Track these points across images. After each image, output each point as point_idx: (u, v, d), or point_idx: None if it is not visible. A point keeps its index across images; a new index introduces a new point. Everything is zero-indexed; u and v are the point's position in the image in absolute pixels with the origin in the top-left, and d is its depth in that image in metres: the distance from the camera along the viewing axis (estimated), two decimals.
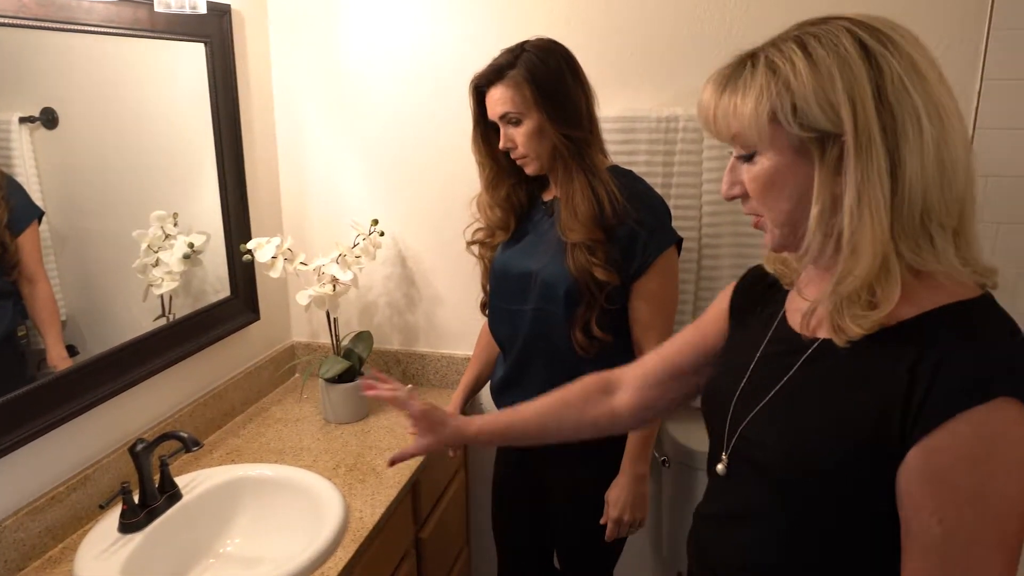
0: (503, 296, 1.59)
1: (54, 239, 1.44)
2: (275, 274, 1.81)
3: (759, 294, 0.97)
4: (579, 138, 1.45)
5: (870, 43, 0.72)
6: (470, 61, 1.85)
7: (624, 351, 1.53)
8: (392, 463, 1.23)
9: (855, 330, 0.75)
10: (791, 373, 0.84)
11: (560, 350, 1.52)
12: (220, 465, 1.64)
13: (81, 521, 1.41)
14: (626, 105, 1.76)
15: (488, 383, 1.81)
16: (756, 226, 0.84)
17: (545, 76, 1.43)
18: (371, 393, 1.18)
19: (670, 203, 1.71)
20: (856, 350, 0.76)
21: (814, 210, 0.74)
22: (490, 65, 1.47)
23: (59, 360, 1.45)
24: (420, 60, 1.91)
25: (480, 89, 1.49)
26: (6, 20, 1.23)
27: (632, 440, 1.53)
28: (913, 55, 0.72)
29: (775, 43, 0.76)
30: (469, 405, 1.99)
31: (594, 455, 1.57)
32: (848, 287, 0.74)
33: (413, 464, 1.68)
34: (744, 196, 0.82)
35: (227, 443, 1.77)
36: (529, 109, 1.43)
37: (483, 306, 1.71)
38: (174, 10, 1.45)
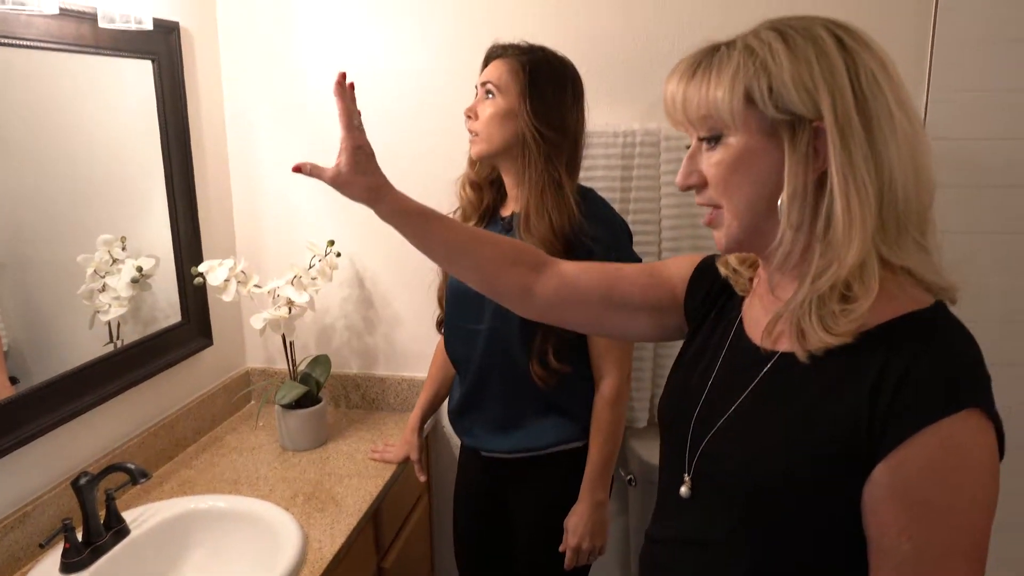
0: (458, 314, 1.56)
1: None
2: (228, 297, 1.76)
3: (716, 293, 0.95)
4: (553, 142, 1.42)
5: (845, 38, 0.73)
6: (425, 76, 1.87)
7: (584, 379, 1.51)
8: (296, 169, 1.05)
9: (823, 337, 0.73)
10: (751, 388, 0.82)
11: (517, 375, 1.49)
12: (171, 498, 1.57)
13: (19, 562, 1.33)
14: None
15: (445, 403, 1.78)
16: (709, 223, 0.82)
17: (544, 74, 1.42)
18: (339, 76, 1.00)
19: (628, 219, 1.71)
20: (817, 363, 0.75)
21: (784, 195, 0.73)
22: (508, 42, 1.47)
23: (0, 390, 1.37)
24: (375, 76, 1.89)
25: (486, 58, 1.48)
26: None
27: (591, 465, 1.50)
28: (882, 56, 0.73)
29: (752, 32, 0.76)
30: (431, 427, 1.96)
31: (555, 480, 1.54)
32: (828, 280, 0.72)
33: (374, 491, 1.63)
34: (702, 185, 0.80)
35: (179, 474, 1.70)
36: (508, 91, 1.41)
37: (439, 324, 1.68)
38: (119, 26, 1.40)
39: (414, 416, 1.78)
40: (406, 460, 1.76)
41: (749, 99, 0.73)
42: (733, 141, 0.75)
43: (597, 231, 1.43)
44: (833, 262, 0.72)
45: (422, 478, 1.79)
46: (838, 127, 0.70)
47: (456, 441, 1.71)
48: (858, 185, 0.70)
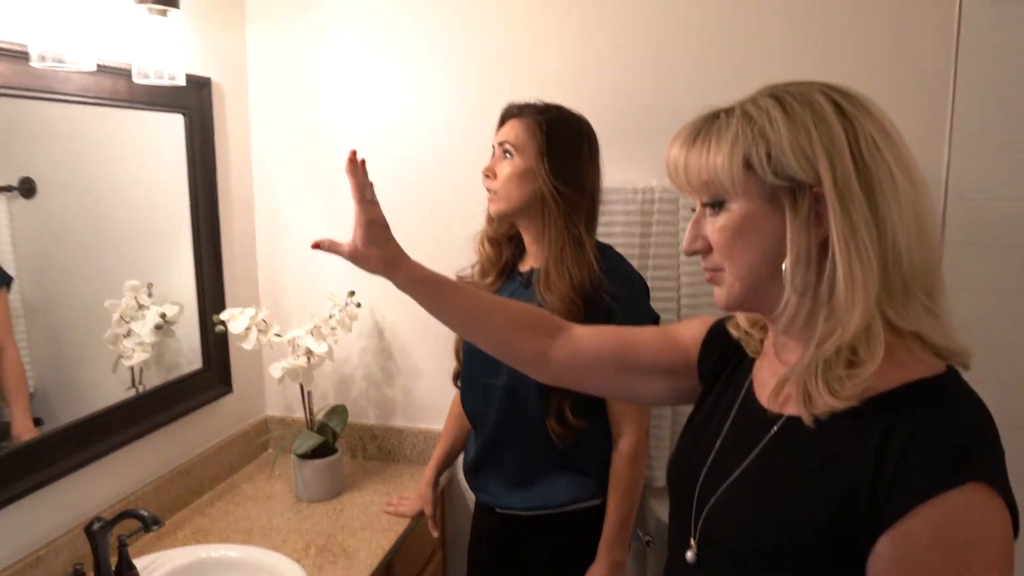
0: (475, 368, 1.56)
1: (25, 308, 1.41)
2: (248, 345, 1.78)
3: (728, 354, 0.94)
4: (572, 200, 1.44)
5: (843, 103, 0.73)
6: (449, 133, 1.91)
7: (602, 436, 1.50)
8: (315, 246, 1.06)
9: (828, 401, 0.72)
10: (757, 451, 0.80)
11: (533, 431, 1.48)
12: (184, 545, 1.56)
13: None
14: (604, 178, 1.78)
15: (460, 457, 1.76)
16: (710, 280, 0.82)
17: (560, 132, 1.45)
18: (350, 154, 1.00)
19: (647, 275, 1.71)
20: (823, 427, 0.74)
21: (787, 261, 0.73)
22: (525, 102, 1.49)
23: (24, 432, 1.40)
24: (398, 133, 1.94)
25: (502, 118, 1.51)
26: None
27: (608, 524, 1.47)
28: (881, 120, 0.74)
29: (750, 98, 0.77)
30: (446, 481, 1.94)
31: (571, 539, 1.51)
32: (833, 345, 0.71)
33: (387, 545, 1.61)
34: (707, 250, 0.81)
35: (193, 522, 1.70)
36: (525, 150, 1.44)
37: (455, 376, 1.68)
38: (152, 81, 1.46)
39: (429, 470, 1.76)
40: (420, 514, 1.74)
41: (748, 165, 0.74)
42: (735, 207, 0.76)
43: (616, 287, 1.43)
44: (837, 327, 0.71)
45: (435, 534, 1.76)
46: (837, 192, 0.70)
47: (472, 496, 1.69)
48: (859, 250, 0.70)
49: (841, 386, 0.72)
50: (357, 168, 1.00)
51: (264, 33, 1.99)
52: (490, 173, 1.48)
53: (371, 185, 1.02)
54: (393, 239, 1.03)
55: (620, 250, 1.56)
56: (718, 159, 0.75)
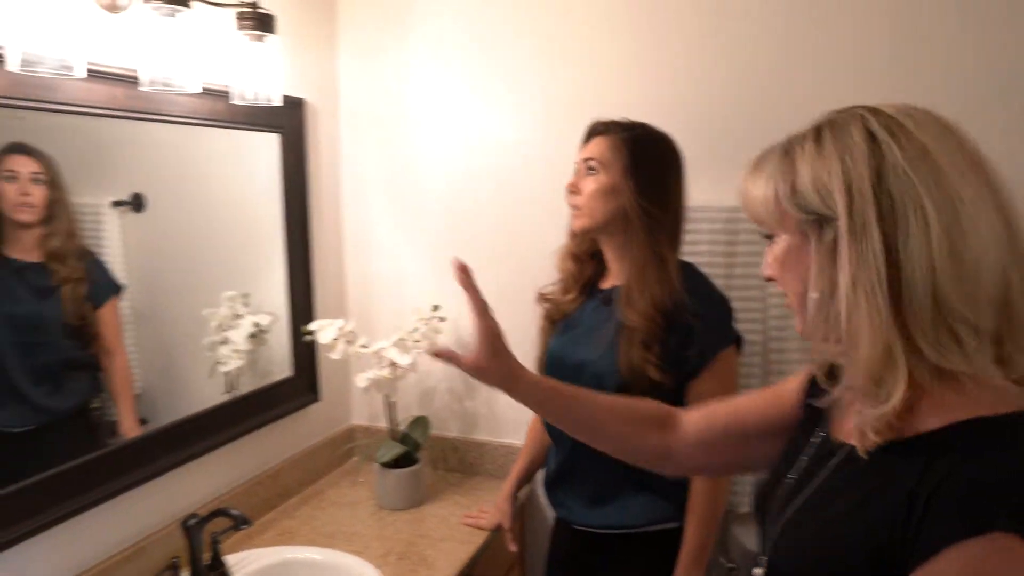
0: None
1: (134, 315, 1.51)
2: (335, 356, 1.84)
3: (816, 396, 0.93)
4: (656, 217, 1.43)
5: (877, 130, 0.71)
6: (531, 152, 1.93)
7: None
8: (435, 356, 1.04)
9: (871, 437, 0.71)
10: (820, 479, 0.80)
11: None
12: (272, 546, 1.63)
13: None
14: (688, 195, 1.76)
15: (539, 472, 1.76)
16: (787, 307, 0.82)
17: (646, 149, 1.45)
18: (458, 269, 1.01)
19: (732, 295, 1.67)
20: (875, 460, 0.72)
21: (813, 294, 0.73)
22: (611, 119, 1.50)
23: (130, 430, 1.49)
24: (483, 152, 1.98)
25: (588, 135, 1.52)
26: (101, 111, 1.34)
27: (686, 548, 1.44)
28: (928, 144, 0.69)
29: (802, 130, 0.77)
30: (526, 496, 1.94)
31: (647, 561, 1.48)
32: (852, 380, 0.72)
33: (465, 557, 1.63)
34: (773, 279, 0.82)
35: (280, 524, 1.76)
36: (611, 167, 1.44)
37: None
38: (249, 102, 1.54)
39: (508, 484, 1.77)
40: (499, 528, 1.75)
41: (779, 201, 0.75)
42: (781, 239, 0.78)
43: (698, 306, 1.41)
44: (853, 359, 0.71)
45: (513, 548, 1.76)
46: (850, 225, 0.69)
47: (551, 511, 1.69)
48: (866, 282, 0.68)
49: (874, 424, 0.71)
50: (469, 281, 1.01)
51: (354, 56, 2.07)
52: (574, 189, 1.49)
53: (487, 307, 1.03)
54: (509, 350, 1.02)
55: (705, 269, 1.53)
56: (757, 192, 0.77)
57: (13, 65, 1.10)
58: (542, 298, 1.64)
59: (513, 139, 1.95)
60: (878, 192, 0.69)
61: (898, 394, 0.68)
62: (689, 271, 1.48)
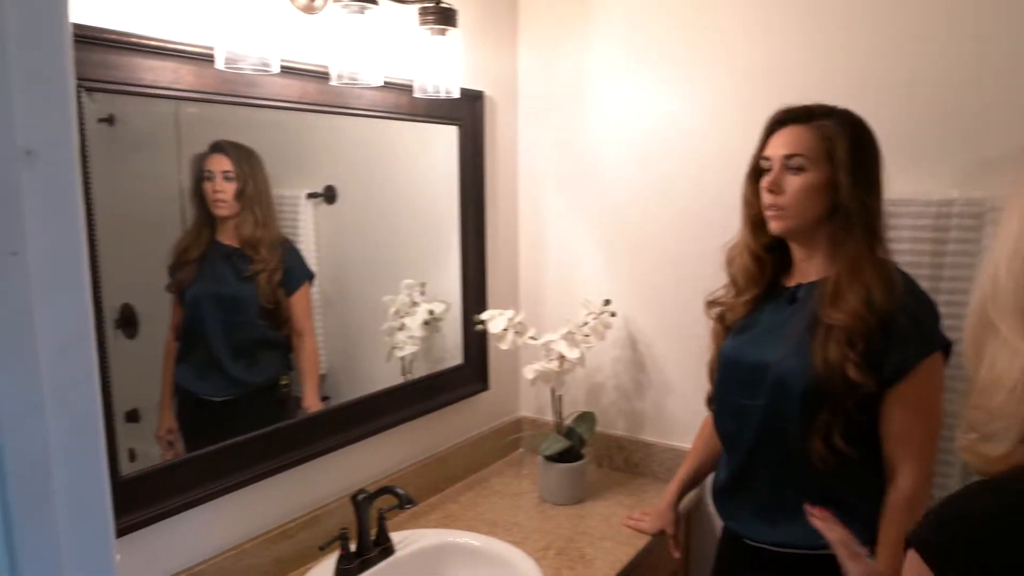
0: (731, 388, 1.46)
1: (323, 300, 1.61)
2: (505, 346, 1.85)
3: None
4: (872, 210, 1.32)
5: None
6: (713, 143, 1.83)
7: (873, 471, 1.32)
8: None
9: None
10: None
11: (793, 458, 1.35)
12: (435, 528, 1.67)
13: (305, 559, 1.50)
14: (888, 187, 1.58)
15: (705, 480, 1.68)
16: None
17: (860, 138, 1.33)
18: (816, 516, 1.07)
19: (940, 299, 1.49)
20: None
21: None
22: (802, 105, 1.38)
23: (313, 407, 1.60)
24: (661, 142, 1.90)
25: (775, 125, 1.40)
26: (292, 105, 1.43)
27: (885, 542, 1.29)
28: None
29: None
30: (694, 503, 1.86)
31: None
32: None
33: (625, 559, 1.59)
34: None
35: (445, 507, 1.81)
36: (821, 161, 1.32)
37: (709, 400, 1.59)
38: (430, 95, 1.59)
39: (671, 489, 1.70)
40: (661, 533, 1.69)
41: None
42: None
43: (914, 307, 1.28)
44: None
45: (676, 555, 1.69)
46: None
47: (719, 521, 1.59)
48: None
49: None
50: (829, 523, 1.04)
51: (533, 48, 2.07)
52: (776, 188, 1.35)
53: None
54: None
55: (906, 268, 1.38)
56: None
57: (219, 63, 1.20)
58: (712, 305, 1.55)
59: (694, 129, 1.86)
60: None
61: None
62: (898, 270, 1.34)
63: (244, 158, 1.42)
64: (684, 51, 1.85)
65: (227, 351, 1.48)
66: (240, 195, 1.42)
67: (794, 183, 1.33)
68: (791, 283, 1.43)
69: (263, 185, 1.46)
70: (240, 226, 1.43)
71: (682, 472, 1.70)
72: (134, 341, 1.28)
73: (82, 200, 0.49)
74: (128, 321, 1.26)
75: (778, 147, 1.36)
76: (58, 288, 0.48)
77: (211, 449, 1.36)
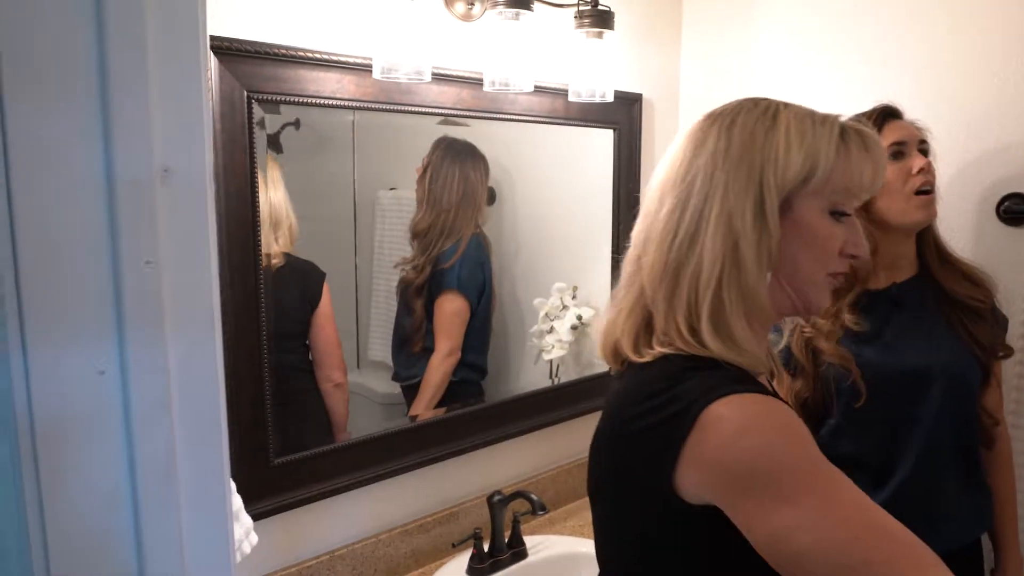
0: (888, 403, 1.27)
1: None
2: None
3: None
4: None
5: None
6: None
7: None
8: None
9: None
10: None
11: (970, 453, 1.31)
12: (570, 535, 1.65)
13: (439, 553, 1.54)
14: None
15: None
16: None
17: None
18: None
19: None
20: None
21: None
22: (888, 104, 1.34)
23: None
24: None
25: (887, 117, 1.31)
26: (448, 111, 1.47)
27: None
28: None
29: None
30: None
31: None
32: None
33: None
34: None
35: (581, 515, 1.79)
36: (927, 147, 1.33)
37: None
38: (584, 99, 1.57)
39: None
40: None
41: None
42: None
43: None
44: None
45: None
46: None
47: None
48: None
49: None
50: None
51: (696, 48, 1.99)
52: (926, 165, 1.27)
53: None
54: None
55: None
56: None
57: (376, 73, 1.25)
58: (806, 334, 1.31)
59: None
60: None
61: None
62: None
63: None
64: (851, 41, 1.69)
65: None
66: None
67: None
68: (878, 286, 1.30)
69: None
70: None
71: None
72: None
73: (213, 213, 0.52)
74: None
75: (905, 134, 1.29)
76: (187, 296, 0.51)
77: (359, 439, 1.43)
